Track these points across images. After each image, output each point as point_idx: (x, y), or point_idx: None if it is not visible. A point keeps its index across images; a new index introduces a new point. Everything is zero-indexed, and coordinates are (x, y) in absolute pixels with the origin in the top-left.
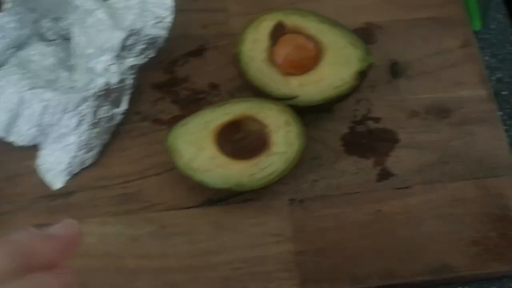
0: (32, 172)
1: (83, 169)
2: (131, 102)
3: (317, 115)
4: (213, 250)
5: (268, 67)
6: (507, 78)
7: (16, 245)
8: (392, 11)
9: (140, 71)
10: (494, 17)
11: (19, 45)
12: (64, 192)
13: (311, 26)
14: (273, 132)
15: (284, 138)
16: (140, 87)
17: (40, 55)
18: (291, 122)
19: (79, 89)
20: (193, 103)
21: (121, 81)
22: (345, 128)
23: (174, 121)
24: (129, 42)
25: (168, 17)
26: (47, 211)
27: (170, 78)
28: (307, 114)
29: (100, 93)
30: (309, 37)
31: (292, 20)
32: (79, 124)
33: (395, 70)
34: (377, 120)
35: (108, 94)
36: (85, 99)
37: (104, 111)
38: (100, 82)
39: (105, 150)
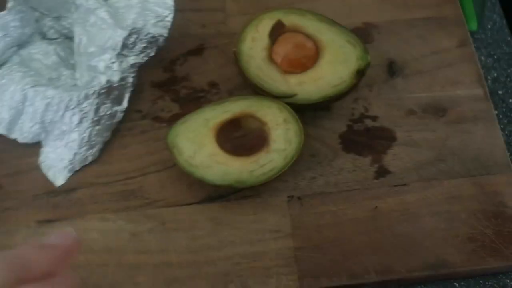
0: (35, 168)
1: (84, 166)
2: (132, 100)
3: (316, 113)
4: (213, 245)
5: (267, 65)
6: (502, 78)
7: (12, 258)
8: (389, 11)
9: (141, 69)
10: (490, 18)
11: (21, 44)
12: (66, 189)
13: (310, 25)
14: (272, 130)
15: (283, 135)
16: (141, 85)
17: (42, 53)
18: (290, 120)
19: (81, 87)
20: (192, 101)
21: (122, 79)
22: (343, 126)
23: (174, 119)
24: (130, 40)
25: (168, 16)
26: (49, 207)
27: (170, 77)
28: (306, 112)
29: (101, 91)
30: (308, 36)
31: (291, 19)
32: (81, 121)
33: (392, 69)
34: (374, 118)
35: (109, 92)
36: (87, 97)
37: (105, 109)
38: (102, 80)
39: (106, 147)
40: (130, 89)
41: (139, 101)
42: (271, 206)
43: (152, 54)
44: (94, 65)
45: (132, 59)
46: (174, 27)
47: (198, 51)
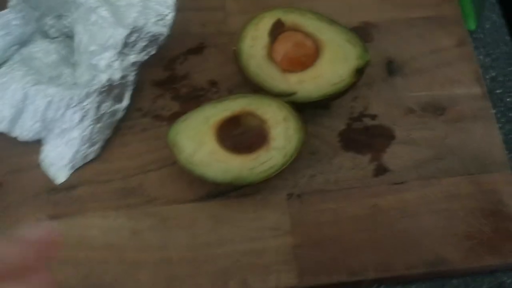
0: (36, 166)
1: (85, 164)
2: (132, 98)
3: (315, 112)
4: (213, 243)
5: (267, 64)
6: (501, 77)
7: None
8: (388, 10)
9: (141, 68)
10: (488, 17)
11: (23, 42)
12: (67, 186)
13: (310, 24)
14: (272, 128)
15: (283, 133)
16: (141, 84)
17: (43, 52)
18: (290, 118)
19: (81, 85)
20: (192, 100)
21: (123, 77)
22: (342, 125)
23: (174, 117)
24: (131, 39)
25: (169, 15)
26: (50, 204)
27: (170, 75)
28: (306, 110)
29: (102, 89)
30: (308, 35)
31: (291, 18)
32: (82, 119)
33: (391, 68)
34: (373, 117)
35: (110, 90)
36: (88, 95)
37: (106, 107)
38: (103, 78)
39: (107, 145)
40: (131, 88)
41: (139, 100)
42: (270, 203)
43: (153, 52)
44: (95, 63)
45: (133, 58)
46: (174, 26)
47: (198, 49)
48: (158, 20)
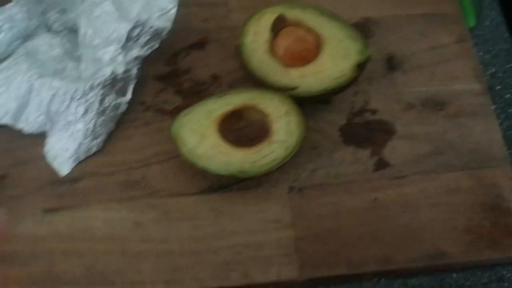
0: (40, 158)
1: (89, 156)
2: (135, 92)
3: (316, 107)
4: (214, 235)
5: (269, 58)
6: (500, 74)
7: None
8: (388, 7)
9: (144, 62)
10: (488, 15)
11: (27, 36)
12: (70, 178)
13: (311, 19)
14: (274, 122)
15: (284, 127)
16: (144, 78)
17: (47, 45)
18: (292, 112)
19: (85, 78)
20: (195, 94)
21: (127, 71)
22: (343, 119)
23: (177, 111)
24: (135, 33)
25: (172, 10)
26: (54, 196)
27: (172, 70)
28: (307, 105)
29: (106, 82)
30: (309, 30)
31: (292, 13)
32: (86, 112)
33: (392, 64)
34: (374, 112)
35: (114, 84)
36: (92, 88)
37: (110, 100)
38: (106, 71)
39: (110, 138)
40: (134, 81)
41: (142, 93)
42: (272, 196)
43: (156, 46)
44: (99, 57)
45: (136, 52)
46: (177, 21)
47: (200, 44)
48: (161, 14)
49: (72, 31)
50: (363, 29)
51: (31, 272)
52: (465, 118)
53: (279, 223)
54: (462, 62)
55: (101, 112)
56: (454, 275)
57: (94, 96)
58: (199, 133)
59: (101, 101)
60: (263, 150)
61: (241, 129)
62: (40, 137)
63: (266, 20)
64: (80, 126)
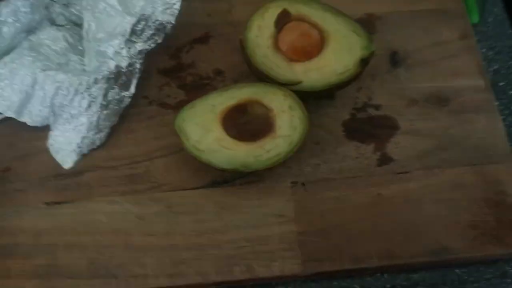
0: (44, 151)
1: (92, 150)
2: (139, 86)
3: (320, 102)
4: (218, 229)
5: (273, 53)
6: (503, 70)
7: None
8: (392, 2)
9: (147, 56)
10: (491, 11)
11: (31, 30)
12: (74, 172)
13: (315, 14)
14: (277, 116)
15: (288, 122)
16: (147, 72)
17: (52, 39)
18: (295, 106)
19: (89, 72)
20: (198, 88)
21: (130, 65)
22: (346, 115)
23: (180, 105)
24: (139, 27)
25: (176, 4)
26: (57, 189)
27: (176, 64)
28: (310, 100)
29: (110, 76)
30: (313, 25)
31: (296, 8)
32: (89, 105)
33: (395, 60)
34: (377, 107)
35: (117, 77)
36: (96, 81)
37: (113, 94)
38: (110, 65)
39: (114, 132)
40: (138, 75)
41: (146, 88)
42: (275, 191)
43: (160, 41)
44: (103, 50)
45: (140, 46)
46: (181, 16)
47: (204, 39)
48: (166, 8)
49: (76, 25)
50: (366, 24)
51: (34, 265)
52: (468, 114)
53: (282, 217)
54: (466, 58)
55: (105, 106)
56: (457, 270)
57: (97, 90)
58: (202, 127)
59: (105, 94)
60: (266, 145)
61: (245, 123)
62: (43, 130)
63: (270, 15)
64: (83, 119)
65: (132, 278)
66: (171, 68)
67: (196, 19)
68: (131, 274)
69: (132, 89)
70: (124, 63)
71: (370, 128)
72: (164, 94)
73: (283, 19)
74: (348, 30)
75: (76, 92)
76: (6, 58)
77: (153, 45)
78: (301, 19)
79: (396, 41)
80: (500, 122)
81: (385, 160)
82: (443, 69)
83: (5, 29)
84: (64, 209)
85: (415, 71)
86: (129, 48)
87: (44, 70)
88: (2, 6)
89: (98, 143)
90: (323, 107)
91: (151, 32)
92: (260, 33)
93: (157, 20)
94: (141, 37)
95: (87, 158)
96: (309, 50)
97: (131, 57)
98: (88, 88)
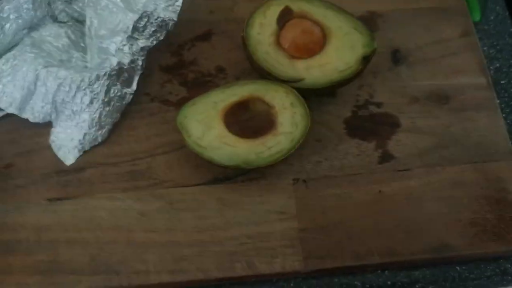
0: (45, 148)
1: (94, 146)
2: (141, 83)
3: (321, 99)
4: (219, 226)
5: (275, 50)
6: (505, 68)
7: None
8: (393, 0)
9: (149, 53)
10: (493, 9)
11: (33, 26)
12: (75, 168)
13: (317, 11)
14: (279, 113)
15: (290, 119)
16: (149, 69)
17: (54, 35)
18: (297, 104)
19: (91, 68)
20: (200, 85)
21: (132, 62)
22: (348, 112)
23: (182, 102)
24: (141, 24)
25: (178, 1)
26: (59, 185)
27: (178, 61)
28: (312, 98)
29: (112, 73)
30: (315, 22)
31: (298, 5)
32: (91, 102)
33: (397, 57)
34: (379, 105)
35: (119, 74)
36: (98, 78)
37: (115, 91)
38: (113, 62)
39: (115, 128)
40: (139, 72)
41: (147, 84)
42: (277, 188)
43: (162, 38)
44: (105, 47)
45: (142, 43)
46: (183, 13)
47: (206, 36)
48: (168, 5)
49: (78, 21)
50: (368, 22)
51: (36, 261)
52: (469, 111)
53: (283, 214)
54: (467, 56)
55: (107, 103)
56: (458, 267)
57: (100, 87)
58: (204, 123)
59: (107, 91)
60: (268, 142)
61: (247, 120)
62: (45, 127)
63: (272, 12)
64: (85, 116)
65: (133, 274)
66: (173, 65)
67: (198, 16)
68: (132, 270)
69: (134, 86)
70: (126, 60)
71: (371, 125)
72: (166, 91)
73: (285, 16)
74: (350, 27)
75: (78, 88)
76: (9, 55)
77: (155, 42)
78: (303, 16)
79: (397, 39)
80: (501, 120)
81: (386, 157)
82: (445, 67)
83: (7, 26)
84: (66, 206)
85: (416, 68)
86: (131, 45)
87: (46, 67)
88: (5, 3)
89: (100, 139)
90: (324, 104)
91: (153, 29)
92: (262, 30)
93: (159, 17)
94: (143, 34)
95: (89, 155)
96: (311, 48)
97: (133, 54)
98: (90, 85)
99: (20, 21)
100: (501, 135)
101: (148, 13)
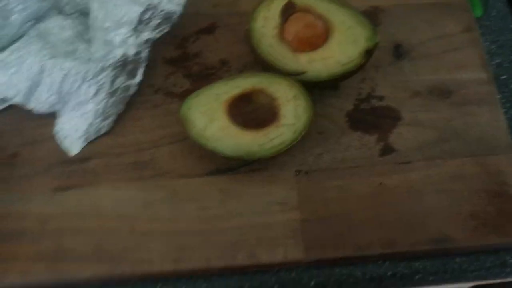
0: (50, 138)
1: (98, 137)
2: (145, 75)
3: (324, 92)
4: (222, 216)
5: (278, 43)
6: (506, 63)
7: None
8: None
9: (154, 45)
10: (494, 5)
11: (39, 18)
12: (80, 158)
13: (321, 5)
14: (282, 105)
15: (292, 111)
16: (154, 61)
17: (59, 28)
18: (300, 96)
19: (97, 60)
20: (204, 78)
21: (137, 53)
22: (350, 105)
23: (186, 94)
24: (146, 16)
25: None
26: (63, 176)
27: (182, 54)
28: (314, 91)
29: (117, 64)
30: (319, 16)
31: None
32: (96, 93)
33: (399, 52)
34: (381, 98)
35: (124, 66)
36: (103, 69)
37: (120, 82)
38: (117, 53)
39: (120, 119)
40: (144, 64)
41: (152, 76)
42: (279, 179)
43: (166, 30)
44: (110, 39)
45: (146, 35)
46: (187, 6)
47: (210, 29)
48: None
49: (84, 13)
50: (371, 17)
51: (40, 250)
52: (471, 106)
53: (285, 205)
54: (469, 51)
55: (112, 93)
56: (458, 259)
57: (105, 77)
58: (207, 115)
59: (112, 82)
60: (271, 133)
61: (250, 112)
62: (50, 117)
63: (275, 5)
64: (90, 106)
65: (137, 262)
66: (177, 58)
67: (202, 9)
68: (136, 259)
69: (139, 78)
70: (131, 52)
71: (373, 118)
72: (170, 83)
73: (288, 10)
74: (353, 21)
75: (84, 79)
76: (14, 46)
77: (160, 34)
78: (307, 10)
79: (400, 33)
80: (502, 115)
81: (387, 150)
82: (447, 62)
83: (13, 17)
84: (70, 195)
85: (418, 63)
86: (136, 36)
87: (51, 58)
88: None
89: (104, 130)
90: (327, 97)
91: (158, 21)
92: (266, 23)
93: (164, 9)
94: (148, 26)
95: (93, 145)
96: (314, 41)
97: (138, 46)
98: (95, 76)
99: (26, 13)
100: (502, 129)
101: (153, 5)
